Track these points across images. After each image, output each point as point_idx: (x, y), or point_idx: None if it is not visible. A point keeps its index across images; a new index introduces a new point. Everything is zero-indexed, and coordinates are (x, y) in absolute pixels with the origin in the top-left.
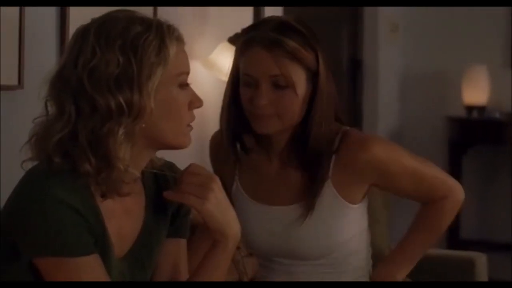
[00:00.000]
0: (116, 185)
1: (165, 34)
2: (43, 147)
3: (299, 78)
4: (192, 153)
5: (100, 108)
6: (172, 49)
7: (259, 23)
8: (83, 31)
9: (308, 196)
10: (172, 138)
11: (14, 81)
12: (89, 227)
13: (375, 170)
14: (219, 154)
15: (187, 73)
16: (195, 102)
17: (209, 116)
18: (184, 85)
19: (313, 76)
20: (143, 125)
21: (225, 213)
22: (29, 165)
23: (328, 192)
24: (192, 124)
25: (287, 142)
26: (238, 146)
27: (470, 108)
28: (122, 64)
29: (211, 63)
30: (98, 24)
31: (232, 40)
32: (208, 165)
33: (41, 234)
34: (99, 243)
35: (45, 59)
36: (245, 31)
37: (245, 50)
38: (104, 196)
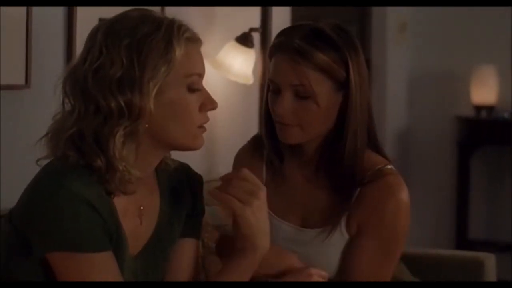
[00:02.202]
0: (121, 183)
1: (173, 35)
2: (56, 143)
3: (323, 89)
4: (201, 154)
5: (102, 108)
6: (179, 50)
7: (291, 28)
8: (95, 31)
9: (328, 223)
10: (181, 139)
11: (21, 81)
12: (103, 223)
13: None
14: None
15: (198, 74)
16: (207, 104)
17: (217, 116)
18: (194, 87)
19: (343, 86)
20: (146, 126)
21: (260, 224)
22: (44, 162)
23: (341, 224)
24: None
25: (317, 150)
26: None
27: (478, 108)
28: (126, 65)
29: (218, 63)
30: (109, 24)
31: (240, 39)
32: (216, 166)
33: (55, 228)
34: (113, 240)
35: (52, 59)
36: (277, 35)
37: (271, 55)
38: (111, 193)
